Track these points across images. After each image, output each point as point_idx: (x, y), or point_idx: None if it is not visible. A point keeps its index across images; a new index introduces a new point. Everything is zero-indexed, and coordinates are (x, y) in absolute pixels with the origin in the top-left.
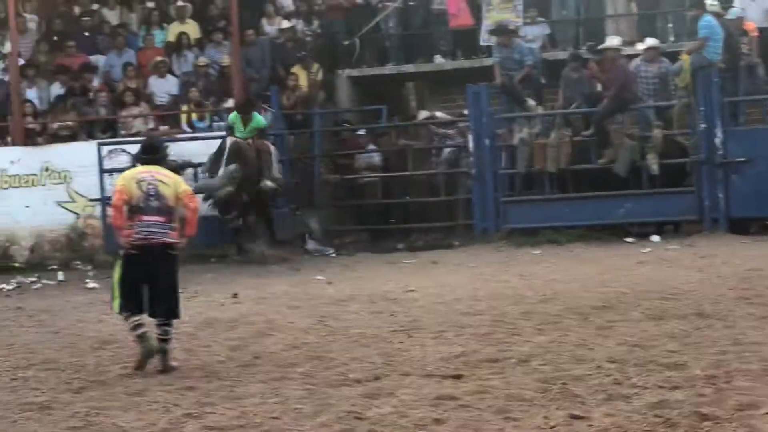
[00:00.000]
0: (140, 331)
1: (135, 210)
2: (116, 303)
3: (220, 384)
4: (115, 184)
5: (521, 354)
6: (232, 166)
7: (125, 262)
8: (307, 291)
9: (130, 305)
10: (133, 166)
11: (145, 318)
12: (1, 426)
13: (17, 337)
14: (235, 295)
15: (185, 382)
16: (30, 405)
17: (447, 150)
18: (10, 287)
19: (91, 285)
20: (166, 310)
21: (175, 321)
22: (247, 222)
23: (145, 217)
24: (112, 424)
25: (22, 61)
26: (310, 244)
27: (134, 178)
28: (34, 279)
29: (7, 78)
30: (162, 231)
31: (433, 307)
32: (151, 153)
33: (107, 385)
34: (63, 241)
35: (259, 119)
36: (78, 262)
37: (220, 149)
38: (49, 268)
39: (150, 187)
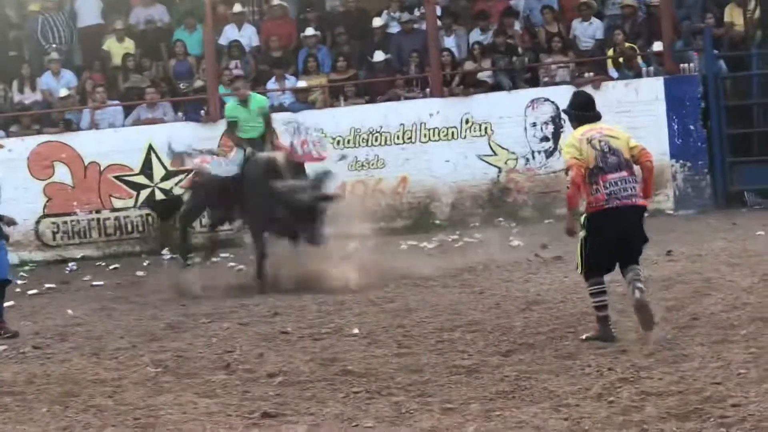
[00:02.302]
0: (604, 313)
1: (595, 172)
2: (580, 269)
3: (656, 347)
4: (565, 155)
5: None
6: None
7: (592, 229)
8: (747, 247)
9: (597, 271)
10: None
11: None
12: (430, 389)
13: (441, 298)
14: (669, 252)
15: (619, 345)
16: (458, 368)
17: None
18: (431, 246)
19: (515, 243)
20: (637, 258)
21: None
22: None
23: (610, 176)
24: (543, 388)
25: (438, 10)
26: (750, 197)
27: (583, 139)
28: (455, 237)
29: (423, 26)
30: (631, 186)
31: None
32: (591, 110)
33: (536, 348)
34: (485, 197)
35: (260, 98)
36: (501, 219)
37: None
38: (471, 225)
39: (602, 143)
